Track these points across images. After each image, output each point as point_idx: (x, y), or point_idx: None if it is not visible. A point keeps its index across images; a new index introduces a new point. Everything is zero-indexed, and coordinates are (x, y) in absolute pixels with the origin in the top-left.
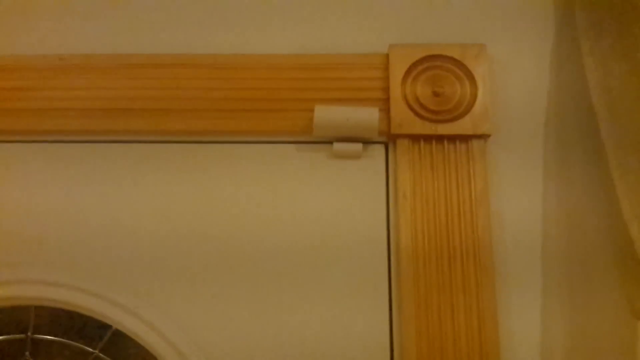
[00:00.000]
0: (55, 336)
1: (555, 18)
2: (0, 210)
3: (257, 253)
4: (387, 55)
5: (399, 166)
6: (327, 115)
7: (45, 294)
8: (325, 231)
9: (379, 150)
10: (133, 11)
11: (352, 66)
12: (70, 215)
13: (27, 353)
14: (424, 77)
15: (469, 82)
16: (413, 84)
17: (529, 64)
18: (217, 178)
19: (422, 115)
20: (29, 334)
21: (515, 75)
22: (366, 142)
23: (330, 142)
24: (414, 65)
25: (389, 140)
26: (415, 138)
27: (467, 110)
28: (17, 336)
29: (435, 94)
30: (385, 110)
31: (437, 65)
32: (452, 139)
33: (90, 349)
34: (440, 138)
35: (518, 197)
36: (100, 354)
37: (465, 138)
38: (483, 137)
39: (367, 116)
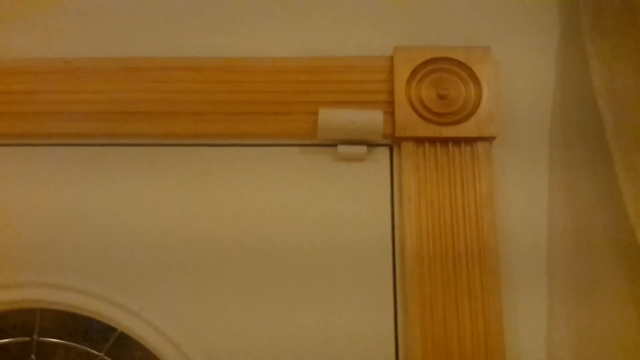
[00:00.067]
0: (60, 339)
1: (560, 20)
2: (5, 213)
3: (262, 256)
4: (392, 58)
5: (404, 169)
6: (331, 118)
7: (51, 297)
8: (330, 234)
9: (384, 152)
10: (138, 15)
11: (356, 69)
12: (75, 218)
13: (32, 356)
14: (429, 80)
15: (474, 84)
16: (418, 86)
17: (534, 66)
18: (222, 181)
19: (427, 118)
20: (34, 336)
21: (520, 77)
22: (371, 144)
23: (335, 145)
24: (419, 67)
25: (393, 142)
26: (419, 141)
27: (471, 113)
28: (23, 339)
29: (440, 97)
30: (390, 112)
31: (441, 67)
32: (457, 141)
33: (96, 352)
34: (444, 140)
35: (523, 199)
36: (106, 357)
37: (470, 140)
38: (488, 139)
39: (372, 119)
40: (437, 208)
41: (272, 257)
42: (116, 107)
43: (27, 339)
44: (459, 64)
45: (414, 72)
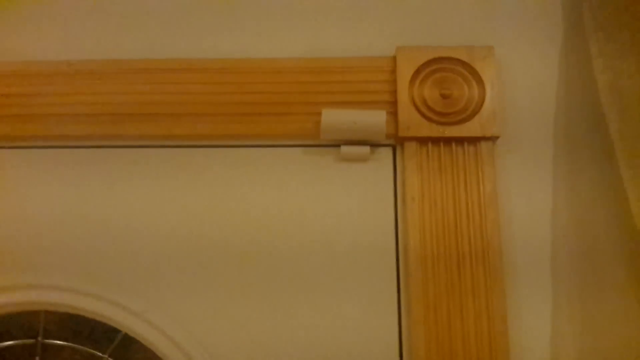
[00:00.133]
0: (65, 341)
1: (563, 19)
2: (9, 215)
3: (265, 256)
4: (395, 58)
5: (407, 169)
6: (334, 118)
7: (55, 299)
8: (333, 234)
9: (387, 153)
10: (140, 17)
11: (359, 69)
12: (79, 220)
13: (37, 358)
14: (432, 80)
15: (477, 84)
16: (421, 86)
17: (537, 66)
18: (226, 182)
19: (430, 118)
20: (39, 338)
21: (523, 76)
22: (374, 145)
23: (338, 146)
24: (422, 67)
25: (396, 143)
26: (423, 140)
27: (475, 113)
28: (28, 341)
29: (443, 97)
30: (393, 113)
31: (444, 67)
32: (460, 141)
33: (100, 354)
34: (448, 140)
35: (527, 199)
36: (110, 358)
37: (473, 140)
38: (491, 139)
39: (375, 119)
40: (441, 208)
41: (275, 258)
42: (119, 109)
43: (31, 340)
44: (462, 63)
45: (416, 72)
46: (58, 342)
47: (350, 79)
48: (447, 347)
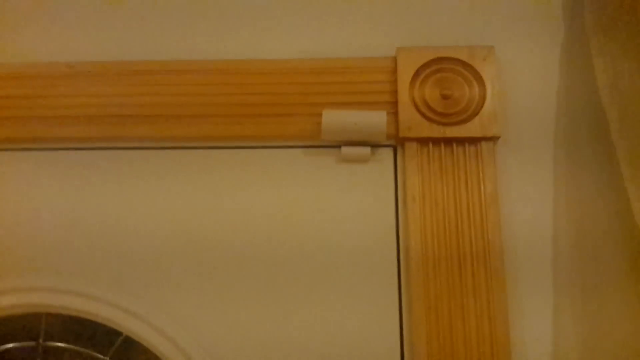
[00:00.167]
0: (66, 343)
1: (564, 19)
2: (11, 217)
3: (266, 258)
4: (395, 59)
5: (408, 169)
6: (335, 119)
7: (56, 301)
8: (334, 235)
9: (388, 153)
10: (141, 18)
11: (359, 70)
12: (80, 222)
13: None
14: (432, 80)
15: (478, 84)
16: (421, 86)
17: (538, 66)
18: (226, 183)
19: (431, 118)
20: (40, 341)
21: (524, 76)
22: (374, 145)
23: (339, 146)
24: (422, 68)
25: (397, 143)
26: (423, 141)
27: (475, 113)
28: (29, 343)
29: (444, 97)
30: (394, 113)
31: (445, 67)
32: (461, 141)
33: (101, 356)
34: (449, 141)
35: (528, 199)
36: None
37: (474, 140)
38: (492, 139)
39: (375, 120)
40: (442, 208)
41: (276, 259)
42: (120, 110)
43: (32, 343)
44: (463, 63)
45: (417, 73)
46: (59, 344)
47: (350, 80)
48: (448, 347)
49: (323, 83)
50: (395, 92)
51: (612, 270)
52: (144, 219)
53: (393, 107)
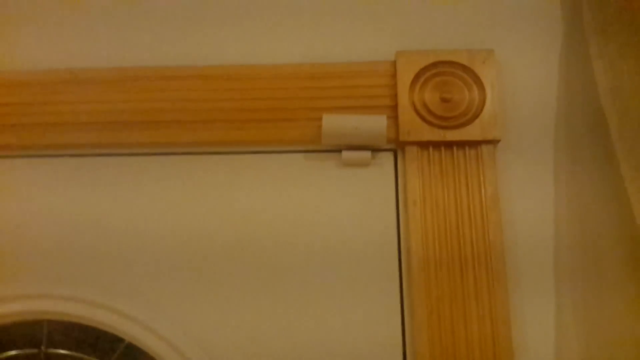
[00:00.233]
0: (68, 350)
1: (563, 21)
2: (14, 224)
3: (268, 263)
4: (395, 63)
5: (408, 173)
6: (335, 123)
7: (58, 308)
8: (335, 239)
9: (388, 157)
10: (141, 25)
11: (359, 74)
12: (82, 228)
13: None
14: (432, 84)
15: (477, 87)
16: (421, 90)
17: (537, 68)
18: (228, 188)
19: (431, 122)
20: (42, 348)
21: (524, 79)
22: (375, 149)
23: (339, 151)
24: (422, 71)
25: (397, 147)
26: (424, 145)
27: (475, 116)
28: (31, 350)
29: (444, 100)
30: (394, 117)
31: (444, 71)
32: (461, 144)
33: None
34: (449, 144)
35: (529, 201)
36: None
37: (474, 144)
38: (492, 142)
39: (375, 124)
40: (443, 212)
41: (278, 264)
42: (121, 116)
43: (35, 350)
44: (462, 67)
45: (417, 76)
46: (61, 351)
47: (350, 84)
48: (450, 350)
49: (323, 88)
50: (395, 96)
51: (614, 272)
52: (145, 224)
53: (393, 111)
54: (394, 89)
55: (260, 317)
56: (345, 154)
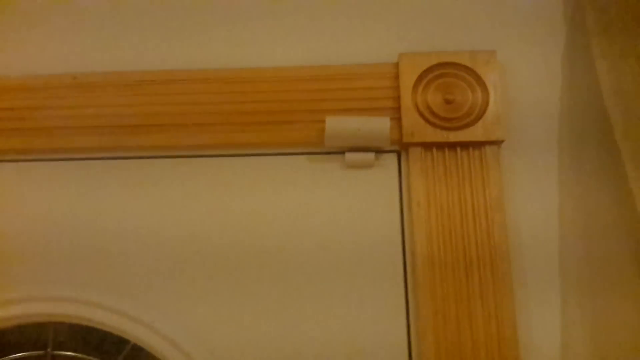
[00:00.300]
0: (74, 352)
1: (566, 21)
2: (18, 228)
3: (273, 264)
4: (397, 64)
5: (412, 174)
6: (338, 125)
7: (64, 311)
8: (339, 241)
9: (392, 159)
10: (144, 29)
11: (362, 76)
12: (86, 232)
13: None
14: (435, 85)
15: (480, 88)
16: (424, 92)
17: (540, 69)
18: (231, 190)
19: (434, 123)
20: (48, 350)
21: (527, 80)
22: (378, 151)
23: (343, 152)
24: (425, 73)
25: (401, 148)
26: (427, 146)
27: (479, 117)
28: (37, 352)
29: (447, 102)
30: (397, 119)
31: (447, 72)
32: (465, 145)
33: None
34: (452, 145)
35: (533, 202)
36: None
37: (478, 145)
38: (496, 143)
39: (379, 125)
40: (447, 213)
41: (283, 266)
42: (124, 120)
43: (41, 352)
44: (465, 68)
45: (419, 78)
46: (68, 353)
47: (353, 86)
48: (456, 352)
49: (326, 90)
50: (398, 98)
51: (619, 272)
52: (150, 227)
53: (396, 112)
54: (396, 90)
55: (265, 318)
56: (349, 156)
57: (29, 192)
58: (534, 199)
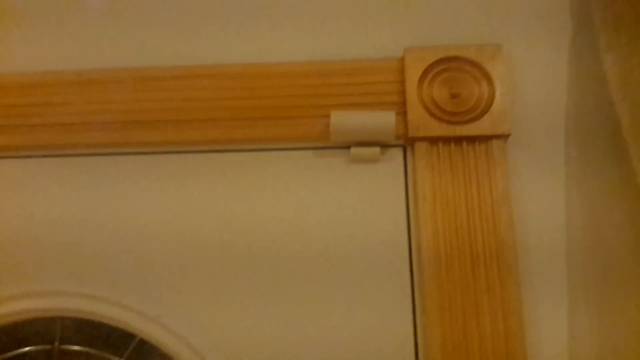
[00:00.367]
0: (81, 346)
1: (572, 14)
2: (24, 224)
3: (278, 259)
4: (402, 59)
5: (418, 169)
6: (343, 120)
7: (71, 305)
8: (345, 236)
9: (397, 153)
10: (148, 25)
11: (367, 71)
12: (92, 226)
13: None
14: (441, 79)
15: (486, 82)
16: (430, 86)
17: (547, 62)
18: (236, 186)
19: (440, 117)
20: (55, 344)
21: (533, 73)
22: (384, 145)
23: (348, 147)
24: (430, 67)
25: (406, 143)
26: (433, 140)
27: (485, 111)
28: (45, 347)
29: (453, 96)
30: (402, 113)
31: (453, 66)
32: (471, 140)
33: (117, 358)
34: (458, 139)
35: (540, 196)
36: None
37: (484, 139)
38: (502, 137)
39: (384, 120)
40: (453, 208)
41: (288, 260)
42: (129, 116)
43: (48, 346)
44: (471, 62)
45: (425, 72)
46: (75, 347)
47: (358, 81)
48: (463, 347)
49: (331, 85)
50: (403, 93)
51: (627, 267)
52: (156, 222)
53: (402, 107)
54: (402, 85)
55: (271, 311)
56: (354, 151)
57: (36, 188)
58: (540, 193)
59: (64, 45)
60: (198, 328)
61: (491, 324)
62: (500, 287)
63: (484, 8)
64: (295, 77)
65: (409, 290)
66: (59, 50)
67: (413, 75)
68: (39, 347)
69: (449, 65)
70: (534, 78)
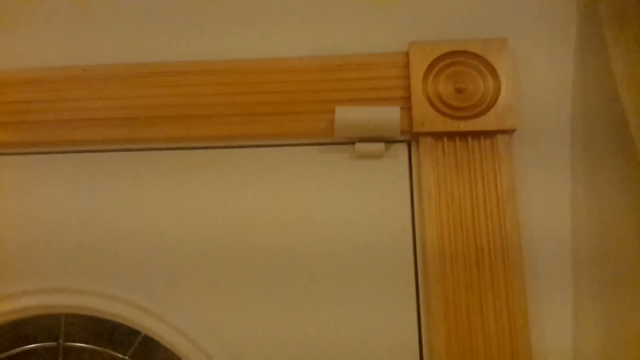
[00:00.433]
0: (86, 343)
1: (578, 9)
2: (28, 220)
3: (283, 256)
4: (407, 53)
5: (423, 164)
6: (348, 116)
7: (76, 302)
8: (350, 232)
9: (402, 149)
10: (152, 20)
11: (372, 66)
12: (98, 223)
13: None
14: (446, 74)
15: (492, 77)
16: (434, 81)
17: (553, 57)
18: (242, 182)
19: (445, 113)
20: (60, 341)
21: (539, 68)
22: (388, 141)
23: (353, 143)
24: (435, 62)
25: (411, 138)
26: (438, 135)
27: (490, 106)
28: (49, 344)
29: (458, 91)
30: (407, 108)
31: (458, 61)
32: (476, 135)
33: (121, 355)
34: (464, 135)
35: (545, 192)
36: None
37: (489, 134)
38: (508, 132)
39: (389, 115)
40: (458, 203)
41: (293, 257)
42: (134, 112)
43: (53, 343)
44: (476, 57)
45: (430, 67)
46: (79, 344)
47: (363, 76)
48: (467, 344)
49: (335, 80)
50: (408, 87)
51: (633, 265)
52: (161, 219)
53: (406, 102)
54: (407, 80)
55: (275, 309)
56: (359, 146)
57: (42, 184)
58: (546, 189)
59: (69, 42)
60: (202, 325)
61: (495, 320)
62: (505, 283)
63: (489, 2)
64: (300, 72)
65: (413, 287)
66: (64, 47)
67: (418, 69)
68: (44, 344)
69: (454, 60)
70: (540, 72)
